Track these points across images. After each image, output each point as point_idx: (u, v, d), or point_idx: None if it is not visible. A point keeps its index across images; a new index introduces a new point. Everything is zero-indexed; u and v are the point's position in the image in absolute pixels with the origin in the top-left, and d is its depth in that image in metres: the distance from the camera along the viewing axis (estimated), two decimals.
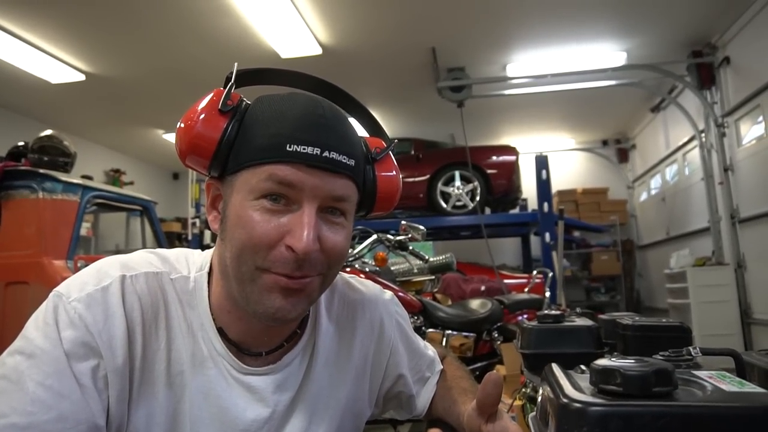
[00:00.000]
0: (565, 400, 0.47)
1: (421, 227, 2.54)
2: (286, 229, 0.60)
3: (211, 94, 0.64)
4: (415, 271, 2.91)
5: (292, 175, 0.60)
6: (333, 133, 0.62)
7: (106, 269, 0.63)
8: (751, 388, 0.48)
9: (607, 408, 0.45)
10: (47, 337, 0.56)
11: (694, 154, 5.75)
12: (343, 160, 0.62)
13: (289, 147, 0.59)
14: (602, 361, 0.50)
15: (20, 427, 0.51)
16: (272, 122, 0.61)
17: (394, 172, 0.73)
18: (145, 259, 0.67)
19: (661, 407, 0.44)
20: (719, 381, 0.51)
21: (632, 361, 0.49)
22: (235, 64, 0.67)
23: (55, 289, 0.61)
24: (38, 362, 0.55)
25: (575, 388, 0.51)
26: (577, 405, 0.46)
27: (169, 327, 0.65)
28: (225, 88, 0.64)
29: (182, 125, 0.63)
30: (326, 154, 0.61)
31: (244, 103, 0.65)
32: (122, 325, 0.60)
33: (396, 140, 0.75)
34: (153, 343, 0.64)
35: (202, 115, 0.62)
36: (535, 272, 4.27)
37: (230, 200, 0.63)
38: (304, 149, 0.60)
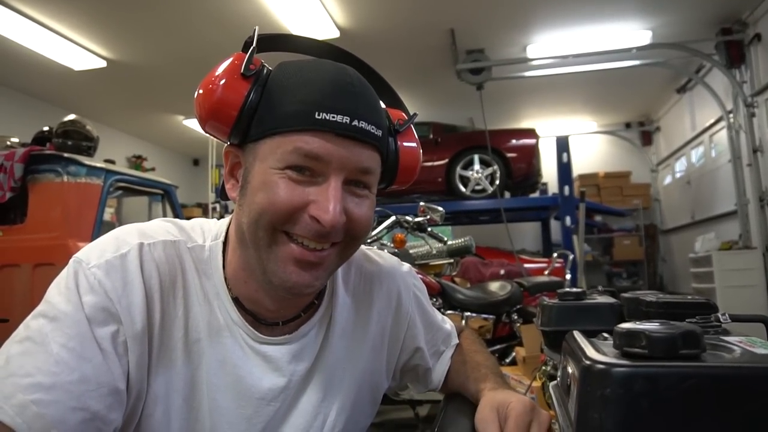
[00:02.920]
0: (587, 362, 0.46)
1: (440, 208, 2.53)
2: (312, 198, 0.59)
3: (232, 58, 0.61)
4: (434, 253, 2.90)
5: (320, 148, 0.58)
6: (362, 101, 0.61)
7: (124, 237, 0.63)
8: None
9: (631, 368, 0.44)
10: (69, 301, 0.57)
11: (722, 136, 5.59)
12: (372, 130, 0.61)
13: (318, 115, 0.58)
14: (626, 325, 0.49)
15: (45, 387, 0.52)
16: (299, 88, 0.59)
17: (416, 144, 0.72)
18: (163, 228, 0.67)
19: (688, 368, 0.43)
20: (749, 345, 0.49)
21: (658, 324, 0.48)
22: (256, 27, 0.64)
23: (74, 255, 0.61)
24: (61, 325, 0.55)
25: (598, 351, 0.50)
26: (601, 366, 0.45)
27: (186, 295, 0.65)
28: (245, 52, 0.62)
29: (202, 90, 0.61)
30: (355, 123, 0.59)
31: (266, 68, 0.63)
32: (141, 292, 0.60)
33: (416, 114, 0.73)
34: (171, 310, 0.64)
35: (223, 80, 0.59)
36: (555, 255, 4.22)
37: (252, 168, 0.61)
38: (333, 117, 0.58)
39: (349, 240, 0.64)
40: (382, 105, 0.73)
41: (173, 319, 0.64)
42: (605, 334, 0.62)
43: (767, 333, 0.59)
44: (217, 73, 0.60)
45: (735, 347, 0.49)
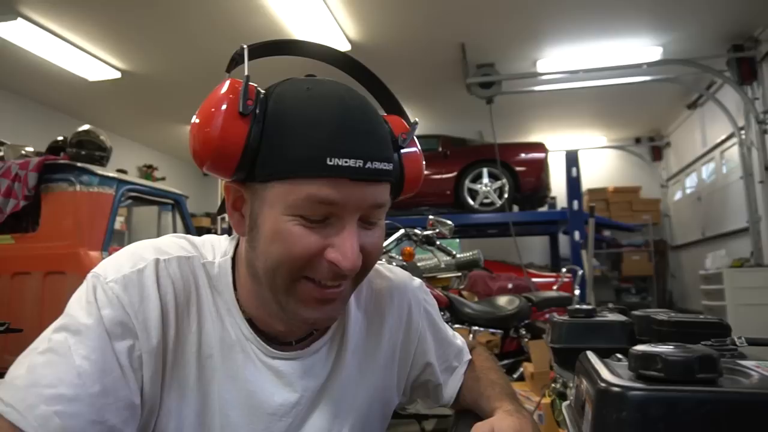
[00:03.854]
0: (603, 385, 0.46)
1: (449, 222, 2.53)
2: (328, 242, 0.58)
3: (225, 88, 0.58)
4: (442, 266, 2.89)
5: (334, 194, 0.56)
6: (372, 139, 0.58)
7: (140, 252, 0.64)
8: None
9: (648, 392, 0.43)
10: (90, 315, 0.57)
11: (733, 152, 5.56)
12: (384, 167, 0.59)
13: (330, 161, 0.55)
14: (642, 347, 0.49)
15: (67, 398, 0.52)
16: (305, 130, 0.56)
17: (418, 152, 0.70)
18: (177, 244, 0.68)
19: (706, 393, 0.43)
20: (766, 370, 0.49)
21: (673, 347, 0.48)
22: (244, 46, 0.61)
23: (92, 270, 0.62)
24: (83, 338, 0.56)
25: (613, 373, 0.49)
26: (617, 389, 0.45)
27: (200, 311, 0.66)
28: (234, 68, 0.60)
29: (197, 129, 0.58)
30: (369, 164, 0.57)
31: (261, 94, 0.59)
32: (157, 308, 0.60)
33: (417, 121, 0.71)
34: (185, 326, 0.64)
35: (220, 118, 0.56)
36: (564, 270, 4.19)
37: (261, 211, 0.60)
38: (346, 162, 0.55)
39: (363, 272, 0.64)
40: (383, 117, 0.69)
41: (187, 334, 0.64)
42: (619, 355, 0.62)
43: None
44: (211, 111, 0.57)
45: (752, 372, 0.48)
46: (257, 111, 0.57)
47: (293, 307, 0.61)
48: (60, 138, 3.43)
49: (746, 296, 4.62)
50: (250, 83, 0.58)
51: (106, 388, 0.54)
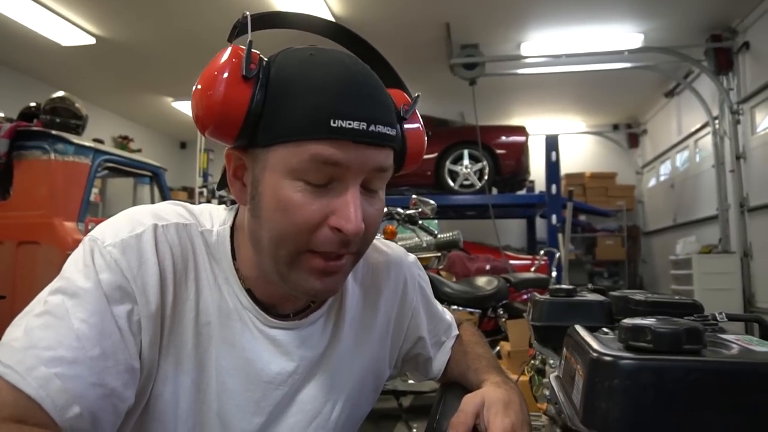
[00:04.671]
0: (595, 355, 0.48)
1: (432, 202, 2.55)
2: (330, 209, 0.58)
3: (228, 53, 0.58)
4: (423, 246, 2.93)
5: (338, 155, 0.56)
6: (376, 103, 0.59)
7: (139, 217, 0.63)
8: None
9: (638, 361, 0.46)
10: (88, 278, 0.57)
11: (706, 141, 5.70)
12: (388, 132, 0.59)
13: (334, 122, 0.55)
14: (631, 320, 0.51)
15: (67, 361, 0.52)
16: (310, 92, 0.56)
17: (420, 127, 0.71)
18: (175, 211, 0.67)
19: (692, 362, 0.45)
20: (746, 343, 0.52)
21: (661, 320, 0.50)
22: (247, 13, 0.61)
23: (89, 234, 0.61)
24: (82, 301, 0.55)
25: (604, 345, 0.52)
26: (609, 358, 0.47)
27: (197, 278, 0.66)
28: (231, 41, 0.60)
29: (200, 93, 0.57)
30: (372, 127, 0.57)
31: (264, 61, 0.59)
32: (155, 273, 0.60)
33: (419, 95, 0.71)
34: (183, 293, 0.64)
35: (224, 82, 0.56)
36: (542, 252, 4.28)
37: (263, 177, 0.59)
38: (350, 124, 0.55)
39: (363, 244, 0.64)
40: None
41: (185, 301, 0.64)
42: (605, 329, 0.65)
43: (760, 332, 0.62)
44: (215, 75, 0.57)
45: (733, 344, 0.51)
46: (260, 75, 0.58)
47: (295, 278, 0.62)
48: (33, 104, 3.33)
49: (713, 281, 4.80)
50: (253, 50, 0.58)
51: (106, 351, 0.54)
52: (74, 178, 2.98)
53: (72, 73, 6.20)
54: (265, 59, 0.60)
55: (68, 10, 4.73)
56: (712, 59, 5.10)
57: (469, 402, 0.67)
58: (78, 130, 3.18)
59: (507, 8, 4.78)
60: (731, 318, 0.60)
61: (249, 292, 0.68)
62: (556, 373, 0.66)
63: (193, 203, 0.73)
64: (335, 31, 0.74)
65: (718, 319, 0.60)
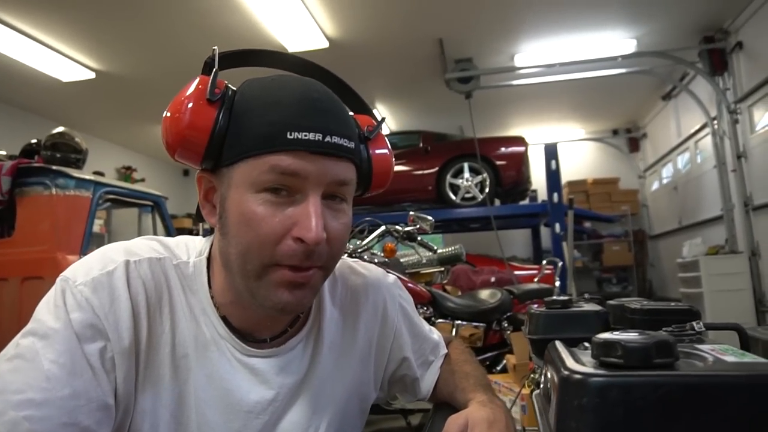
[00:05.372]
0: (566, 372, 0.48)
1: (429, 217, 2.54)
2: (293, 221, 0.59)
3: (195, 82, 0.61)
4: (425, 262, 2.92)
5: (296, 164, 0.58)
6: (332, 116, 0.61)
7: (111, 255, 0.64)
8: (751, 358, 0.48)
9: (606, 378, 0.45)
10: (58, 319, 0.57)
11: (707, 142, 5.68)
12: (344, 144, 0.61)
13: (290, 135, 0.58)
14: (604, 335, 0.51)
15: (36, 403, 0.52)
16: (268, 109, 0.59)
17: (387, 150, 0.73)
18: (148, 245, 0.68)
19: (661, 377, 0.45)
20: (721, 353, 0.51)
21: (634, 334, 0.50)
22: (215, 48, 0.64)
23: (61, 273, 0.62)
24: (51, 342, 0.56)
25: (577, 361, 0.51)
26: (578, 376, 0.47)
27: (172, 311, 0.66)
28: (208, 74, 0.62)
29: (168, 118, 0.60)
30: (328, 139, 0.59)
31: (230, 89, 0.62)
32: (128, 309, 0.61)
33: (384, 118, 0.74)
34: (157, 327, 0.64)
35: (190, 106, 0.59)
36: (544, 262, 4.25)
37: (228, 194, 0.61)
38: (305, 135, 0.58)
39: (330, 259, 0.65)
40: (351, 113, 0.73)
41: (160, 335, 0.65)
42: (586, 344, 0.64)
43: (740, 340, 0.61)
44: (182, 100, 0.60)
45: (707, 355, 0.51)
46: (224, 100, 0.61)
47: (264, 293, 0.62)
48: (34, 141, 3.37)
49: (722, 282, 4.74)
50: (220, 79, 0.61)
51: (77, 390, 0.55)
52: (76, 211, 3.00)
53: (74, 107, 6.30)
54: (232, 88, 0.63)
55: (67, 46, 4.84)
56: (707, 60, 5.12)
57: (452, 423, 0.67)
58: (78, 164, 3.22)
59: (498, 21, 4.83)
60: (709, 327, 0.59)
61: (225, 320, 0.68)
62: (538, 391, 0.66)
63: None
64: (303, 65, 0.77)
65: (696, 328, 0.59)
